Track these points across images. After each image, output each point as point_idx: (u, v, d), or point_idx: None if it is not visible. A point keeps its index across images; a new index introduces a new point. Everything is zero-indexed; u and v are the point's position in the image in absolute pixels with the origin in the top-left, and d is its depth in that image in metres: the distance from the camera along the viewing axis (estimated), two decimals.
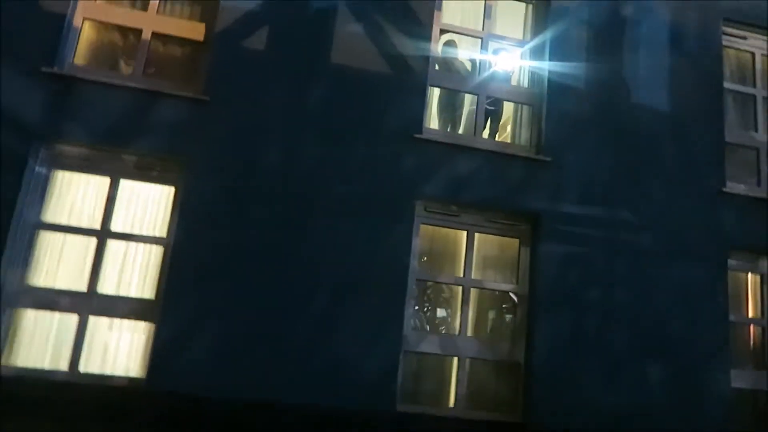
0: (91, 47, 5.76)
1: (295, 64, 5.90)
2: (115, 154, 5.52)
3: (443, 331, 5.92)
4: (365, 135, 5.88)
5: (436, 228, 6.07)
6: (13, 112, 5.22)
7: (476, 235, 6.09)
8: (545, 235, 6.08)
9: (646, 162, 6.49)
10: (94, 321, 5.22)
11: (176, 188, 5.57)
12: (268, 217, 5.55)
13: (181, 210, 5.40)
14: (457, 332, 5.86)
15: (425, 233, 6.00)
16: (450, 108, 6.59)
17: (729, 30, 7.18)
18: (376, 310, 5.52)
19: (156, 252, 5.45)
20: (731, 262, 6.46)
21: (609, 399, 5.84)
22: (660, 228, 6.34)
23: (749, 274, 6.73)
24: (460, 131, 6.62)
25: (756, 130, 7.09)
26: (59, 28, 5.51)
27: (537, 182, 6.19)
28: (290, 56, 5.90)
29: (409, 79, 6.10)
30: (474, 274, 6.00)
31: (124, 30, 5.84)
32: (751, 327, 6.65)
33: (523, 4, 6.93)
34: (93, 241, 5.34)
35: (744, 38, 7.29)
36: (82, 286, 5.24)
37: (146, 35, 5.80)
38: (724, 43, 7.12)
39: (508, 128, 6.78)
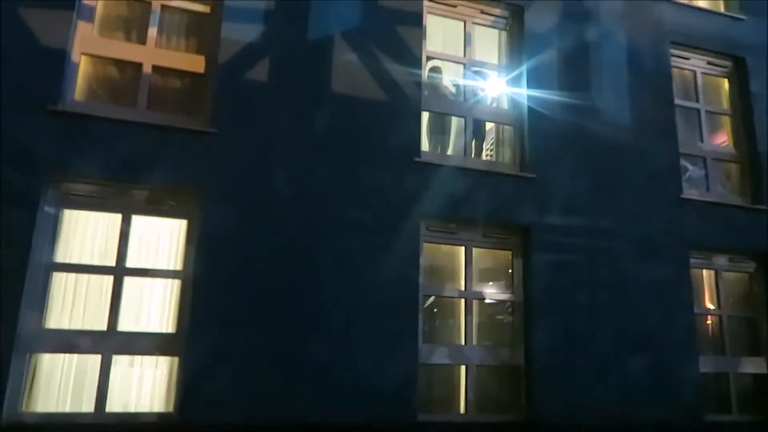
0: (92, 83, 5.70)
1: (298, 93, 6.09)
2: (125, 190, 5.50)
3: (451, 342, 6.28)
4: (369, 159, 6.16)
5: (437, 245, 6.43)
6: (19, 152, 5.12)
7: (474, 249, 6.51)
8: (535, 246, 6.58)
9: (615, 174, 7.15)
10: (116, 359, 5.19)
11: (188, 220, 5.62)
12: (281, 243, 5.71)
13: (197, 242, 5.46)
14: (463, 342, 6.25)
15: (428, 250, 6.35)
16: (440, 130, 6.97)
17: (675, 51, 8.01)
18: (391, 327, 5.81)
19: (173, 285, 5.48)
20: (691, 260, 7.24)
21: (598, 392, 6.42)
22: (632, 233, 7.00)
23: (704, 271, 7.56)
24: (450, 152, 7.02)
25: (702, 141, 7.96)
26: (60, 65, 5.43)
27: (524, 197, 6.69)
28: (292, 86, 6.09)
29: (404, 104, 6.44)
30: (474, 287, 6.42)
31: (124, 64, 5.80)
32: (709, 317, 7.47)
33: (497, 31, 7.44)
34: (109, 279, 5.30)
35: (687, 58, 8.14)
36: (101, 325, 5.20)
37: (147, 69, 5.80)
38: (672, 63, 7.94)
39: (493, 148, 7.25)
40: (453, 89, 7.13)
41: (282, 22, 6.22)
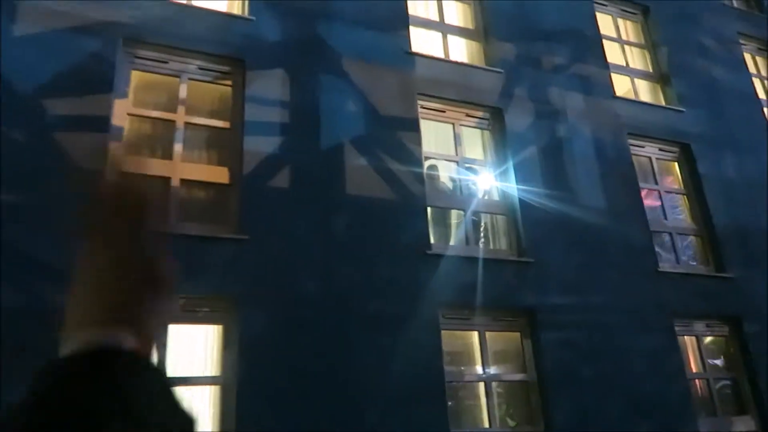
0: None
1: (317, 198, 6.52)
2: None
3: (475, 425, 6.51)
4: (386, 255, 6.57)
5: (454, 332, 6.79)
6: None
7: (486, 333, 6.91)
8: (540, 326, 7.06)
9: (600, 252, 7.86)
10: None
11: (224, 326, 5.76)
12: (313, 341, 5.92)
13: (237, 347, 5.59)
14: (487, 424, 6.49)
15: (446, 337, 6.68)
16: (442, 223, 7.52)
17: (632, 141, 9.06)
18: (422, 417, 6.01)
19: (212, 392, 5.53)
20: (676, 328, 7.90)
21: None
22: (621, 306, 7.62)
23: (686, 337, 8.22)
24: (452, 242, 7.54)
25: (666, 218, 8.89)
26: None
27: (525, 280, 7.23)
28: (312, 191, 6.53)
29: (411, 201, 6.98)
30: (491, 369, 6.76)
31: (152, 179, 6.08)
32: (698, 380, 8.05)
33: (479, 131, 8.25)
34: None
35: (643, 146, 9.22)
36: None
37: (175, 182, 6.11)
38: (632, 151, 8.96)
39: (492, 236, 7.84)
40: (450, 185, 7.77)
41: (297, 133, 6.74)
